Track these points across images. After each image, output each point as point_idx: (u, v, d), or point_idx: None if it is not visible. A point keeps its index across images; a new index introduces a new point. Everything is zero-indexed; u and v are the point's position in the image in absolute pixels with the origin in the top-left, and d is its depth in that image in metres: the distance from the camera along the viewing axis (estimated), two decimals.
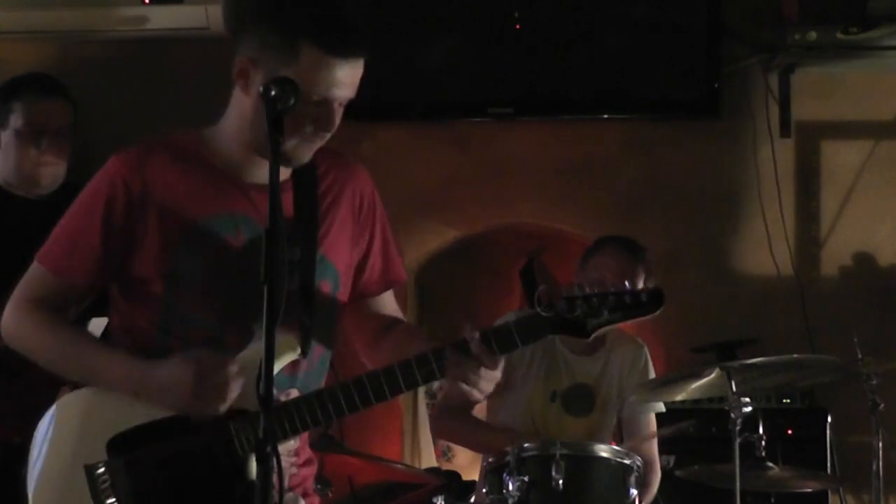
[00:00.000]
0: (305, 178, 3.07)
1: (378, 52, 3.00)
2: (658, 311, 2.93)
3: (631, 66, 5.70)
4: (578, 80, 5.72)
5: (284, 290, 2.56)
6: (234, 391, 2.86)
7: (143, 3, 5.37)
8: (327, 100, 2.87)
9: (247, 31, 2.92)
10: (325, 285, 3.08)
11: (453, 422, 4.72)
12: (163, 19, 5.47)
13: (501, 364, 2.92)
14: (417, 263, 5.93)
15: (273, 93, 2.63)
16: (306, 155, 2.96)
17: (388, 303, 3.27)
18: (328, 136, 2.94)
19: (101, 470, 2.92)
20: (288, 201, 3.01)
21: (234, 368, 2.86)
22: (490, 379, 2.91)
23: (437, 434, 5.05)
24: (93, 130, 5.16)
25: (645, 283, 4.54)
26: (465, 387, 2.91)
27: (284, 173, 3.01)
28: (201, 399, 2.86)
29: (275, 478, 2.49)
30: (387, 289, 3.26)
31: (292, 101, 2.66)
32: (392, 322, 3.25)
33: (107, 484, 2.91)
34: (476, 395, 2.93)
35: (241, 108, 2.95)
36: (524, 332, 2.91)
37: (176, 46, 5.73)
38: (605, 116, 5.82)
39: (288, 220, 2.97)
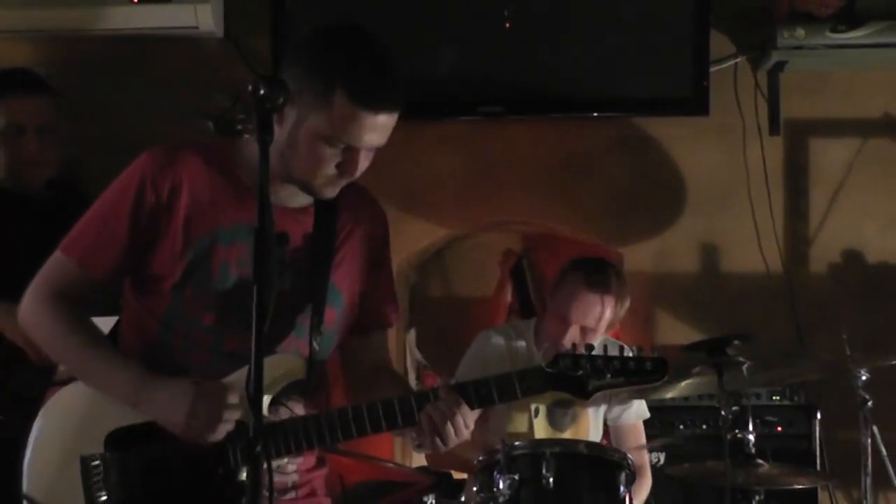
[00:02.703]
0: (328, 206, 3.10)
1: None
2: (661, 381, 2.96)
3: (620, 64, 5.70)
4: (568, 79, 5.71)
5: (274, 290, 2.57)
6: (229, 424, 2.87)
7: (132, 1, 5.37)
8: (355, 148, 2.89)
9: (289, 67, 2.93)
10: (331, 313, 3.10)
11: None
12: (152, 18, 5.46)
13: (473, 420, 2.95)
14: (408, 262, 5.94)
15: (262, 92, 2.63)
16: (331, 192, 3.01)
17: (381, 346, 3.30)
18: (355, 177, 2.97)
19: (97, 462, 2.95)
20: (308, 225, 3.05)
21: (233, 400, 2.87)
22: (459, 430, 2.94)
23: (433, 464, 5.05)
24: (82, 129, 5.17)
25: (614, 310, 4.56)
26: (432, 435, 2.94)
27: (308, 198, 3.07)
28: (193, 428, 2.89)
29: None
30: (380, 329, 3.28)
31: (281, 101, 2.67)
32: (381, 369, 3.27)
33: (100, 477, 2.94)
34: (438, 444, 2.96)
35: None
36: (526, 385, 2.97)
37: (165, 45, 5.72)
38: (595, 115, 5.81)
39: (305, 243, 3.05)
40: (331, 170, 2.93)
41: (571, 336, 4.52)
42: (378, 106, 2.88)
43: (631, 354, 2.98)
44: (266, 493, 2.48)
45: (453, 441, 2.95)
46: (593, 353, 2.96)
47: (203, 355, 3.00)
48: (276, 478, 3.00)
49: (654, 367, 2.95)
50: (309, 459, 3.18)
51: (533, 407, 4.67)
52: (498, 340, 4.76)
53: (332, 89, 2.85)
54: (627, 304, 4.68)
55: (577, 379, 2.95)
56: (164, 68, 5.77)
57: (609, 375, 2.95)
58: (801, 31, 5.47)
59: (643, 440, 4.76)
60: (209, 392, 2.89)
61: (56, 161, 4.59)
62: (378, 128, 2.91)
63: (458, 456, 4.47)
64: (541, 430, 4.67)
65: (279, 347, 3.00)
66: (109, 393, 2.99)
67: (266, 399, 2.94)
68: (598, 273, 4.63)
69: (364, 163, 2.96)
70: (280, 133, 2.89)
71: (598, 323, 4.56)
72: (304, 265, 3.05)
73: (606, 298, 4.55)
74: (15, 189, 4.57)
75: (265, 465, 2.48)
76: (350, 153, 2.92)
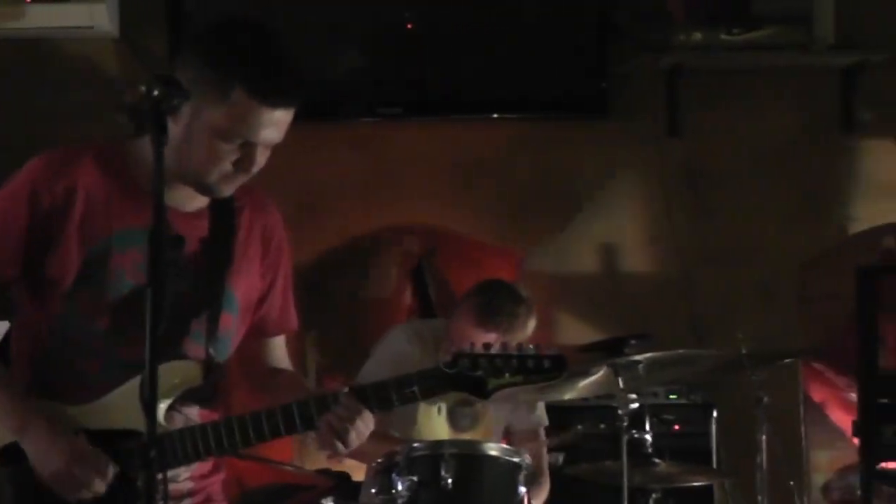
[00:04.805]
0: (223, 209, 3.07)
1: None
2: (560, 378, 2.97)
3: (521, 65, 5.73)
4: (469, 80, 5.74)
5: (169, 294, 2.54)
6: (96, 490, 2.84)
7: (25, 1, 5.30)
8: (251, 143, 2.87)
9: (185, 62, 2.90)
10: (227, 318, 3.08)
11: None
12: (45, 18, 5.40)
13: (373, 422, 2.95)
14: (308, 264, 5.91)
15: (156, 93, 2.60)
16: (228, 190, 2.96)
17: (279, 348, 3.28)
18: (252, 174, 2.94)
19: None
20: (203, 229, 3.02)
21: (106, 476, 2.84)
22: (360, 434, 2.94)
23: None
24: None
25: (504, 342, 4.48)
26: (333, 440, 2.94)
27: (203, 201, 3.02)
28: (58, 485, 2.84)
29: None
30: (281, 333, 3.27)
31: (176, 102, 2.64)
32: (280, 371, 3.26)
33: None
34: (339, 447, 2.95)
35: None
36: (425, 386, 2.96)
37: (59, 45, 5.65)
38: (496, 116, 5.85)
39: (201, 247, 3.01)
40: (227, 166, 2.89)
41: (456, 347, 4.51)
42: (275, 101, 2.86)
43: (530, 352, 2.99)
44: (161, 501, 2.46)
45: (354, 444, 2.95)
46: (491, 351, 2.96)
47: (96, 364, 2.95)
48: (170, 486, 2.98)
49: (553, 365, 2.96)
50: (204, 466, 3.13)
51: (436, 406, 4.67)
52: (411, 340, 4.74)
53: (229, 84, 2.83)
54: (527, 330, 4.59)
55: (475, 379, 2.95)
56: (59, 68, 5.70)
57: (507, 374, 2.95)
58: (697, 34, 5.55)
59: (544, 447, 4.78)
60: (87, 459, 2.84)
61: None
62: (275, 123, 2.89)
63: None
64: (442, 430, 4.67)
65: (181, 351, 2.97)
66: None
67: (162, 407, 2.91)
68: (491, 312, 4.48)
69: (261, 160, 2.94)
70: (175, 129, 2.84)
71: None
72: (200, 270, 3.02)
73: (496, 336, 4.44)
74: None
75: (160, 473, 2.46)
76: (247, 149, 2.89)
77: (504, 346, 2.99)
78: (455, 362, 2.95)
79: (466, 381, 2.95)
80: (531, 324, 4.54)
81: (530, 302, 4.54)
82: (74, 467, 2.82)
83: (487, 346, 2.97)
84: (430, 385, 2.97)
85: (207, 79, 2.82)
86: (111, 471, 2.84)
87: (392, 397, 2.95)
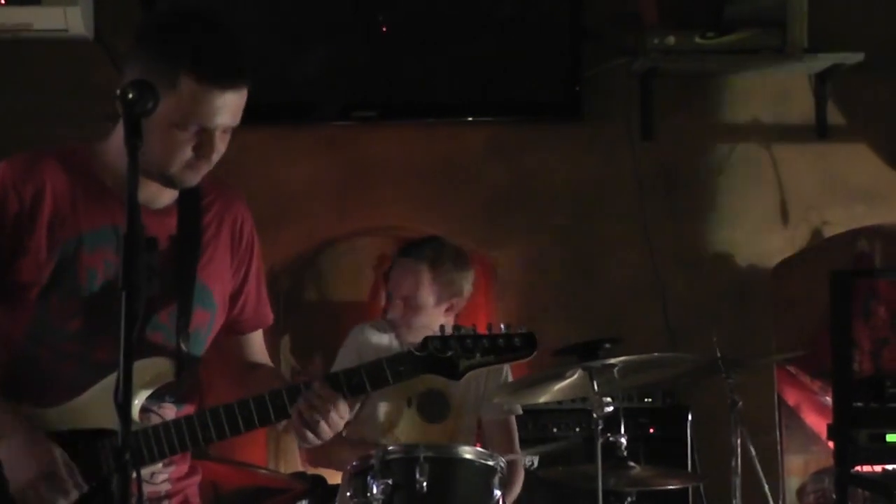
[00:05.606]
0: (191, 205, 3.07)
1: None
2: (531, 356, 2.98)
3: (494, 69, 5.73)
4: (443, 83, 5.74)
5: (143, 296, 2.53)
6: None
7: (0, 3, 5.28)
8: (207, 128, 2.87)
9: (133, 57, 2.90)
10: (204, 314, 3.07)
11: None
12: (20, 20, 5.38)
13: (347, 411, 2.95)
14: (282, 267, 5.90)
15: (130, 96, 2.60)
16: (192, 179, 2.96)
17: (257, 344, 3.29)
18: (214, 161, 2.94)
19: None
20: (172, 226, 3.02)
21: (77, 492, 2.82)
22: (333, 424, 2.94)
23: (311, 462, 5.01)
24: None
25: (432, 279, 4.60)
26: (304, 429, 2.94)
27: (171, 197, 3.03)
28: (24, 496, 2.82)
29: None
30: (257, 328, 3.27)
31: (150, 105, 2.63)
32: (259, 365, 3.27)
33: None
34: (311, 437, 2.95)
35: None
36: (396, 370, 2.96)
37: (33, 47, 5.63)
38: (470, 119, 5.84)
39: (171, 244, 3.01)
40: (187, 153, 2.89)
41: (397, 309, 4.63)
42: (224, 83, 2.87)
43: (500, 332, 2.99)
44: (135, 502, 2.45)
45: (327, 434, 2.95)
46: (462, 332, 2.97)
47: (71, 367, 2.94)
48: (148, 487, 2.97)
49: (523, 343, 2.98)
50: (181, 468, 3.14)
51: (405, 399, 4.66)
52: (371, 333, 4.75)
53: (178, 71, 2.83)
54: (456, 276, 4.67)
55: (447, 360, 2.96)
56: (33, 70, 5.67)
57: (479, 354, 2.96)
58: (671, 38, 5.56)
59: (515, 435, 4.79)
60: (57, 477, 2.83)
61: None
62: (228, 105, 2.89)
63: (334, 454, 4.46)
64: (413, 421, 4.68)
65: (152, 347, 2.96)
66: None
67: (136, 404, 2.90)
68: (412, 245, 4.72)
69: (220, 145, 2.94)
70: None
71: (418, 292, 4.61)
72: (170, 267, 3.02)
73: (419, 266, 4.62)
74: None
75: (134, 474, 2.44)
76: (204, 135, 2.89)
77: (474, 327, 3.00)
78: (425, 345, 2.95)
79: (438, 363, 2.96)
80: (466, 259, 4.75)
81: None
82: (41, 483, 2.81)
83: (458, 328, 2.98)
84: (401, 368, 2.97)
85: (155, 71, 2.82)
86: (77, 493, 2.82)
87: (364, 382, 2.95)
